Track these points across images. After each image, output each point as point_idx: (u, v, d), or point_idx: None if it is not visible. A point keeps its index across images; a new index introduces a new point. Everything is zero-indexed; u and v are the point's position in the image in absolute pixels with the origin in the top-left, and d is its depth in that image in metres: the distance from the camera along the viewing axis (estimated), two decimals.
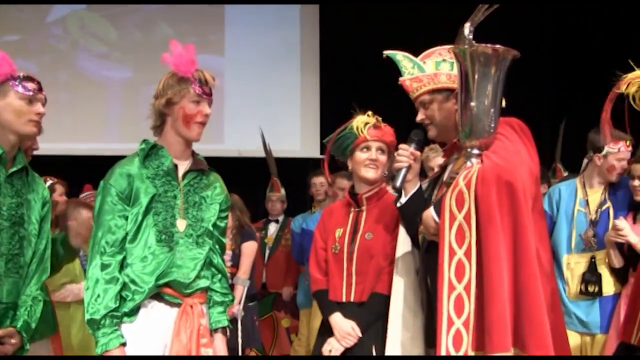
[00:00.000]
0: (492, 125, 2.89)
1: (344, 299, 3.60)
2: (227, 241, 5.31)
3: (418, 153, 3.20)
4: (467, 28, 2.86)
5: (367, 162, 3.65)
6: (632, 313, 2.78)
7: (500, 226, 2.71)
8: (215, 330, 3.24)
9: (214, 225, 3.25)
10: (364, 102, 8.17)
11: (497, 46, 2.86)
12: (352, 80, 8.64)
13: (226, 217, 3.35)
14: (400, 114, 8.78)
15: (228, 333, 3.29)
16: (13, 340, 2.99)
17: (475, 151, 2.91)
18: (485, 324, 2.68)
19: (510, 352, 2.66)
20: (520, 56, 2.89)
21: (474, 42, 2.85)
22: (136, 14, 8.59)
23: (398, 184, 3.18)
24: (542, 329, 2.67)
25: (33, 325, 3.08)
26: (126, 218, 3.10)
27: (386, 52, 3.31)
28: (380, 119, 3.69)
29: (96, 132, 8.45)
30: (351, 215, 3.71)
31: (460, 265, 2.76)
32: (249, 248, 5.87)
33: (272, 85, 8.64)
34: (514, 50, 2.87)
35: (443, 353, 2.74)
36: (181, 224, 3.15)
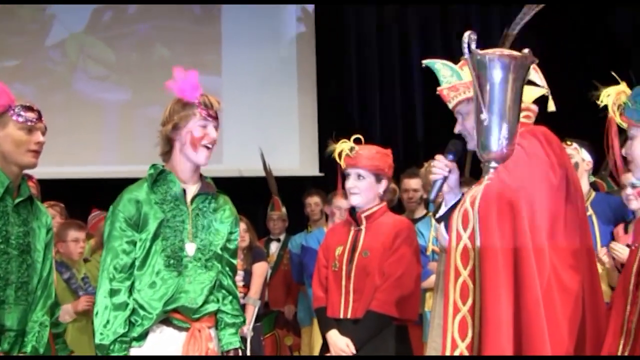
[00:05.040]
0: (507, 136, 2.70)
1: (341, 316, 3.66)
2: (238, 261, 5.33)
3: (453, 165, 3.01)
4: (467, 35, 2.69)
5: (348, 190, 3.74)
6: (614, 326, 2.69)
7: (499, 249, 2.59)
8: (227, 352, 3.24)
9: (224, 247, 3.26)
10: (361, 119, 8.20)
11: (514, 53, 2.71)
12: (350, 97, 8.69)
13: (236, 239, 3.35)
14: (397, 129, 8.85)
15: (240, 354, 3.28)
16: None
17: (493, 164, 2.74)
18: (479, 348, 2.59)
19: None
20: (535, 60, 2.75)
21: (478, 49, 2.69)
22: (133, 35, 8.64)
23: (432, 196, 3.01)
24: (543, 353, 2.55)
25: (41, 351, 3.09)
26: (135, 244, 3.12)
27: (425, 62, 3.14)
28: (354, 146, 3.69)
29: (94, 155, 8.46)
30: (351, 234, 3.76)
31: (465, 286, 2.65)
32: (260, 268, 5.90)
33: (270, 104, 8.66)
34: (531, 56, 2.72)
35: None
36: (190, 248, 3.16)
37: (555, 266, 2.69)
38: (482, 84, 2.70)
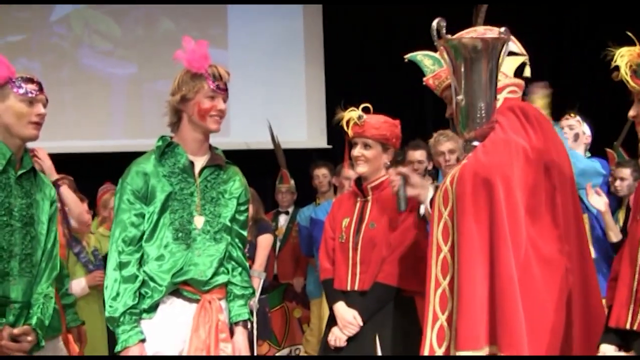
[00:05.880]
0: (484, 115, 2.82)
1: (348, 288, 3.66)
2: None
3: (403, 170, 3.23)
4: (436, 23, 2.79)
5: (354, 159, 3.73)
6: (622, 296, 2.70)
7: (474, 225, 2.68)
8: (236, 324, 3.25)
9: (233, 219, 3.26)
10: (368, 91, 8.18)
11: (486, 36, 2.80)
12: (357, 69, 8.64)
13: (246, 211, 3.35)
14: (405, 102, 8.83)
15: (249, 326, 3.30)
16: (29, 338, 3.02)
17: (475, 143, 2.86)
18: (456, 321, 2.70)
19: (482, 352, 2.64)
20: (509, 39, 2.82)
21: (448, 35, 2.80)
22: (138, 9, 8.60)
23: (402, 207, 3.25)
24: (514, 326, 2.62)
25: (46, 322, 3.11)
26: (143, 216, 3.13)
27: (407, 56, 3.26)
28: (362, 114, 3.67)
29: (101, 129, 8.47)
30: (357, 205, 3.76)
31: (445, 261, 2.78)
32: (265, 241, 5.91)
33: (277, 76, 8.64)
34: (503, 36, 2.80)
35: (427, 347, 2.77)
36: (199, 221, 3.16)
37: (533, 238, 2.75)
38: (456, 68, 2.83)
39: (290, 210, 7.11)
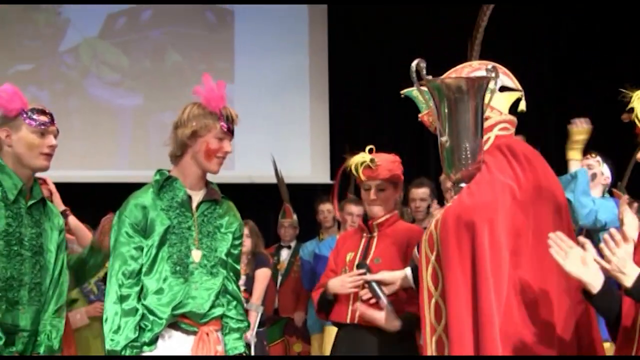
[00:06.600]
0: (470, 156, 2.76)
1: (347, 321, 3.66)
2: (242, 266, 5.38)
3: (366, 278, 3.46)
4: (415, 64, 2.77)
5: (368, 202, 3.73)
6: (624, 336, 2.68)
7: (459, 270, 2.65)
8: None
9: (228, 253, 3.29)
10: (373, 127, 8.21)
11: (471, 76, 2.79)
12: (361, 105, 8.70)
13: (240, 245, 3.38)
14: (410, 137, 8.86)
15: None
16: None
17: (462, 184, 2.82)
18: None
19: None
20: (496, 77, 2.79)
21: (429, 76, 2.78)
22: (146, 41, 8.68)
23: (384, 301, 3.39)
24: None
25: (54, 350, 3.14)
26: (142, 249, 3.15)
27: (403, 92, 3.24)
28: (373, 158, 3.65)
29: (107, 159, 8.51)
30: (363, 241, 3.78)
31: (438, 307, 2.75)
32: (263, 274, 5.91)
33: (282, 111, 8.69)
34: (489, 74, 2.78)
35: None
36: (196, 255, 3.19)
37: (515, 281, 2.70)
38: (440, 109, 2.78)
39: (293, 244, 7.12)
